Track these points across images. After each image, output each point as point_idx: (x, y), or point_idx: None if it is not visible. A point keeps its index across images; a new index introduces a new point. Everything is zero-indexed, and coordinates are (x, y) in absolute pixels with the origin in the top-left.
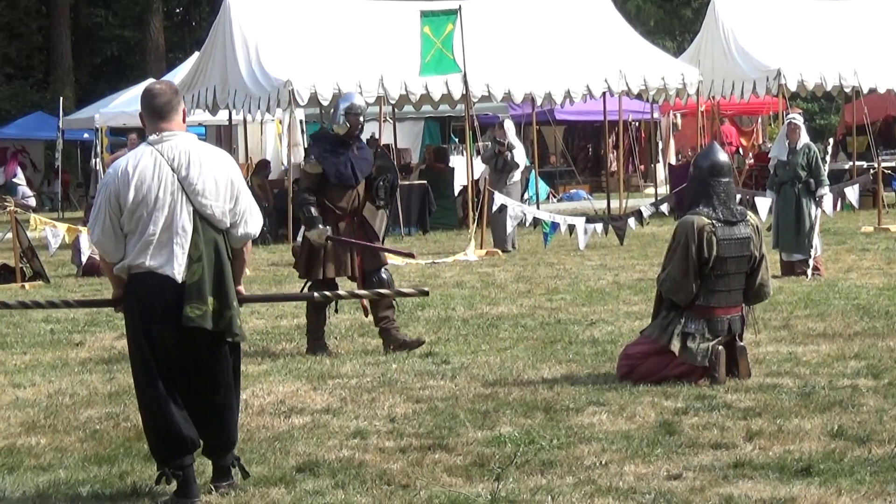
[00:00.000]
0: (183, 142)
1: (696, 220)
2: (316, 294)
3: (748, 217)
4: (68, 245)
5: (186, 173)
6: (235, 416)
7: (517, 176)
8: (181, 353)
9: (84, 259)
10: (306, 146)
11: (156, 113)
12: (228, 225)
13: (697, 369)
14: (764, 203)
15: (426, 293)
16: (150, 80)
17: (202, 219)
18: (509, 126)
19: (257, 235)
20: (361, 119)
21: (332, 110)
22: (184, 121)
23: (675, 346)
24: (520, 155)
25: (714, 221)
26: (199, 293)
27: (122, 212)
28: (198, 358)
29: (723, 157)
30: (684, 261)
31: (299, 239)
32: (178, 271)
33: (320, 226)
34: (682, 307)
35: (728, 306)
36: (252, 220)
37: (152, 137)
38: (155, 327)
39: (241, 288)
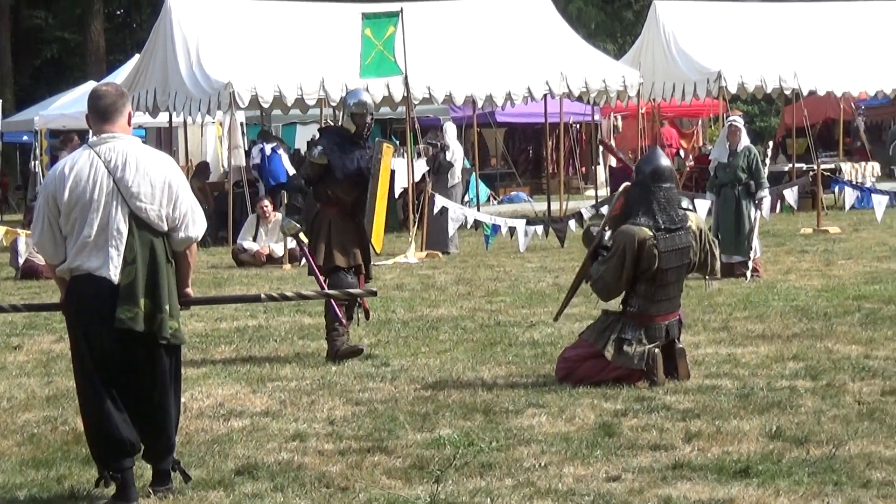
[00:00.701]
0: (122, 144)
1: (638, 232)
2: (263, 294)
3: (689, 221)
4: (6, 248)
5: (122, 175)
6: (174, 419)
7: (457, 178)
8: (119, 355)
9: (21, 261)
10: (312, 138)
11: (99, 114)
12: (167, 228)
13: (636, 372)
14: (703, 205)
15: (374, 293)
16: (91, 83)
17: (138, 221)
18: (448, 128)
19: (199, 239)
20: (369, 120)
21: (341, 108)
22: (129, 123)
23: (609, 351)
24: (452, 155)
25: (656, 233)
26: (130, 295)
27: (60, 213)
28: (135, 359)
29: (665, 162)
30: (619, 269)
31: (239, 241)
32: (114, 273)
33: (294, 219)
34: (621, 314)
35: (667, 313)
36: (193, 224)
37: (92, 139)
38: (93, 329)
39: (190, 290)
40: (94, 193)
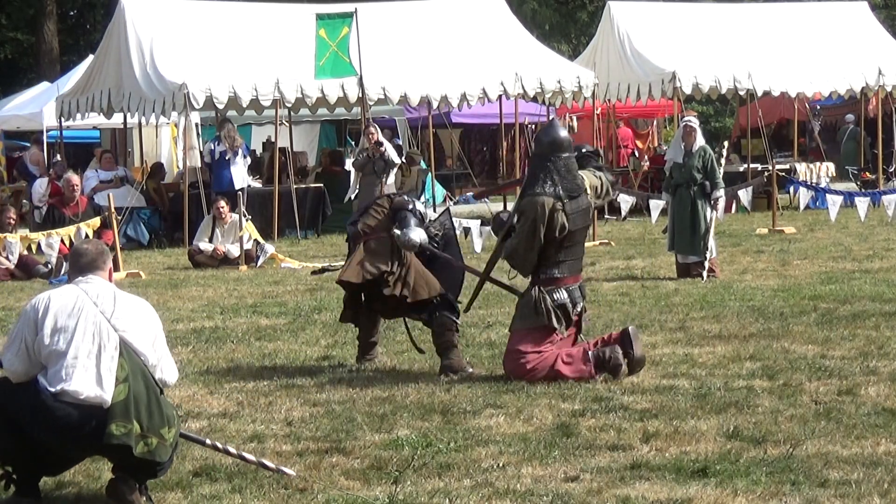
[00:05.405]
0: (106, 284)
1: (545, 201)
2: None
3: (586, 185)
4: None
5: (109, 308)
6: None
7: (392, 178)
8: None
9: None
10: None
11: (79, 270)
12: (150, 362)
13: (597, 370)
14: (657, 205)
15: None
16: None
17: (126, 348)
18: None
19: (172, 385)
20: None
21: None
22: (110, 279)
23: (553, 321)
24: (392, 151)
25: (561, 200)
26: (124, 412)
27: (36, 336)
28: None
29: (563, 133)
30: (531, 239)
31: (195, 242)
32: (108, 392)
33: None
34: (538, 286)
35: (575, 275)
36: (168, 368)
37: (76, 279)
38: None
39: None
40: (81, 320)
